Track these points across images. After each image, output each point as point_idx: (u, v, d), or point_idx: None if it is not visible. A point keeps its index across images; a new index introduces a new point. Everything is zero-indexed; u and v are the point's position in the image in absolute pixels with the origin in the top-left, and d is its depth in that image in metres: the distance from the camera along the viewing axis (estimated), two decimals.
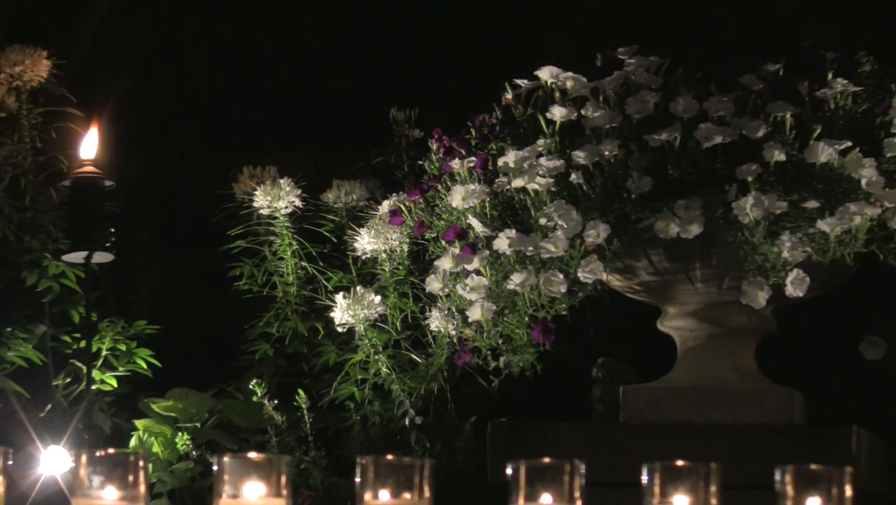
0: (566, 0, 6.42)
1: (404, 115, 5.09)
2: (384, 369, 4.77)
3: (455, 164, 4.59)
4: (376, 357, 4.77)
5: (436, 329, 4.63)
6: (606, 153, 4.40)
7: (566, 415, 4.72)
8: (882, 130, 4.45)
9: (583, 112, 4.48)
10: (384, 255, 4.80)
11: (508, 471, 3.25)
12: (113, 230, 4.85)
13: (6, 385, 4.89)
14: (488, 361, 4.56)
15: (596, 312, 4.70)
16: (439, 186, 4.62)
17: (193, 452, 4.86)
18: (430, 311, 4.63)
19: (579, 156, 4.41)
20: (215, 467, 3.25)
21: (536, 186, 4.42)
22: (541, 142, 4.49)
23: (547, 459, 3.23)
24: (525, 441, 4.44)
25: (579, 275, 4.37)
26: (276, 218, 4.92)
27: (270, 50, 6.66)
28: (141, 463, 3.26)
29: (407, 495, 3.22)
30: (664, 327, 4.66)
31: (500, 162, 4.49)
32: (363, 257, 4.83)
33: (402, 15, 6.57)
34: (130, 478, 3.24)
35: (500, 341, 4.52)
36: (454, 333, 4.59)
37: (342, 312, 4.72)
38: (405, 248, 4.80)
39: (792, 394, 4.55)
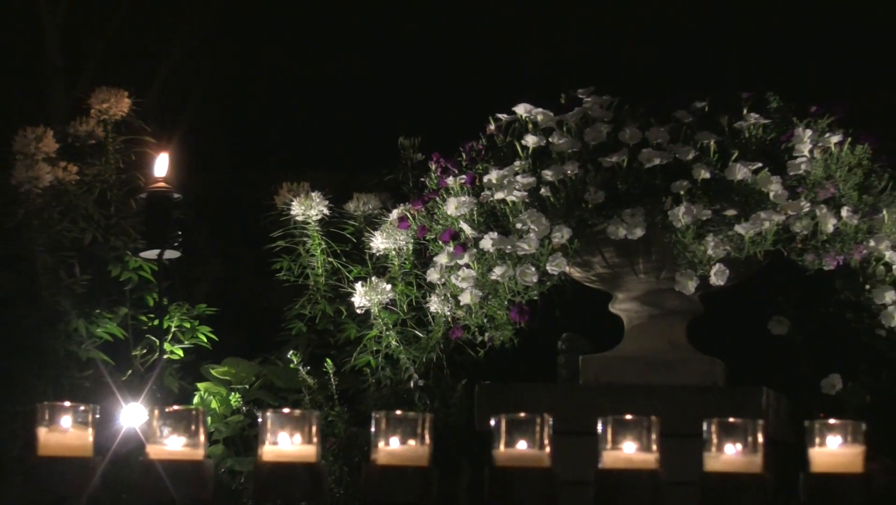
0: (537, 52, 6.41)
1: (409, 143, 5.07)
2: (394, 342, 4.75)
3: (449, 180, 4.58)
4: (387, 333, 4.75)
5: (434, 311, 4.61)
6: (569, 172, 4.39)
7: (537, 378, 4.71)
8: (786, 154, 4.44)
9: (550, 139, 4.47)
10: (394, 252, 4.79)
11: (492, 423, 3.24)
12: (180, 233, 4.84)
13: (96, 355, 4.88)
14: (476, 336, 4.55)
15: (561, 297, 4.69)
16: (437, 198, 4.61)
17: (243, 408, 4.84)
18: (430, 296, 4.61)
19: (547, 174, 4.40)
20: (260, 420, 3.23)
21: (514, 198, 4.41)
22: (517, 163, 4.48)
23: (522, 414, 3.22)
24: (505, 399, 4.43)
25: (547, 268, 4.36)
26: (308, 223, 4.90)
27: (303, 91, 6.66)
28: (201, 416, 3.25)
29: (411, 442, 3.20)
30: (614, 309, 4.65)
31: (485, 179, 4.48)
32: (377, 254, 4.81)
33: (407, 63, 6.57)
34: (193, 428, 3.23)
35: (485, 320, 4.51)
36: (449, 313, 4.57)
37: (361, 297, 4.71)
38: (410, 246, 4.78)
39: (714, 362, 4.54)
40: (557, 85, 4.64)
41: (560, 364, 4.79)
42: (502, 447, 3.20)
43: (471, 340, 4.58)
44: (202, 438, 3.23)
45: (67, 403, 3.27)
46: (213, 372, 4.93)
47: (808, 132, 4.45)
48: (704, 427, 3.22)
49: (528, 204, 4.41)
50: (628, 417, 3.22)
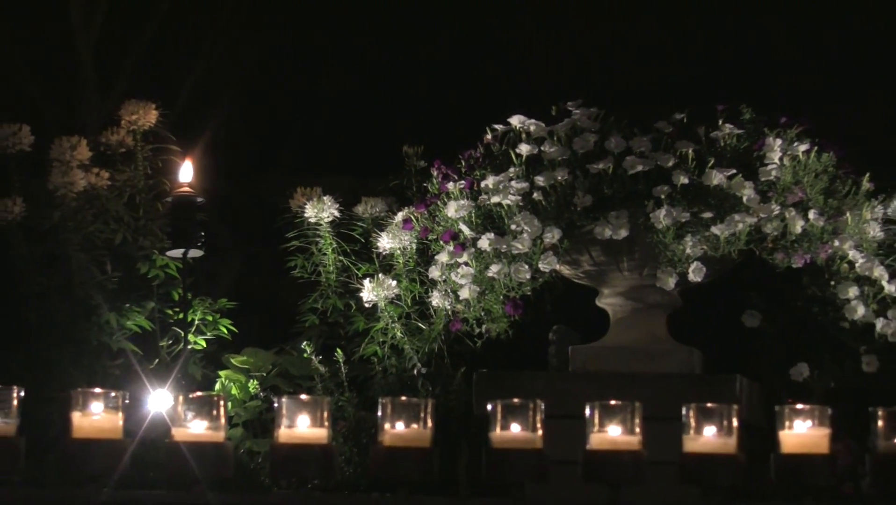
0: (530, 67, 6.41)
1: (413, 151, 5.06)
2: (399, 334, 4.74)
3: (450, 185, 4.58)
4: (393, 325, 4.75)
5: (436, 305, 4.61)
6: (559, 178, 4.39)
7: (530, 367, 4.70)
8: (758, 162, 4.44)
9: (542, 148, 4.47)
10: (399, 251, 4.78)
11: (488, 407, 3.24)
12: (203, 233, 4.83)
13: (126, 346, 4.87)
14: (474, 328, 4.54)
15: (551, 293, 4.69)
16: (438, 202, 4.61)
17: (261, 394, 4.83)
18: (432, 291, 4.61)
19: (539, 180, 4.40)
20: (276, 405, 3.23)
21: (509, 202, 4.41)
22: (512, 170, 4.48)
23: (516, 399, 3.22)
24: (500, 386, 4.42)
25: (539, 266, 4.36)
26: (320, 224, 4.89)
27: (316, 103, 6.66)
28: (222, 402, 3.25)
29: (415, 426, 3.20)
30: (601, 303, 4.64)
31: (483, 184, 4.48)
32: (383, 253, 4.80)
33: (412, 79, 6.56)
34: (214, 413, 3.23)
35: (482, 313, 4.51)
36: (449, 307, 4.57)
37: (368, 292, 4.70)
38: (414, 246, 4.77)
39: (692, 351, 4.54)
40: (549, 98, 4.64)
41: (551, 354, 4.79)
42: (498, 430, 3.20)
43: (469, 332, 4.57)
44: (223, 421, 3.23)
45: (99, 390, 3.27)
46: (233, 361, 4.92)
47: (778, 141, 4.45)
48: (683, 412, 3.22)
49: (522, 207, 4.41)
50: (613, 402, 3.21)
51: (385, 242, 4.76)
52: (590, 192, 4.36)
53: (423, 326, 4.74)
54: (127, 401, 3.27)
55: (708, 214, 4.32)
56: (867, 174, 4.54)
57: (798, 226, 4.36)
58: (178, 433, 3.21)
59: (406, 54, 6.66)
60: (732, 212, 4.32)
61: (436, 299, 4.59)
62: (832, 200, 4.48)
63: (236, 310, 5.06)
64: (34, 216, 4.88)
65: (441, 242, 4.56)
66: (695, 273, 4.33)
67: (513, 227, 4.39)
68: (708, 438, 3.17)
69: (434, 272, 4.57)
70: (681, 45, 6.37)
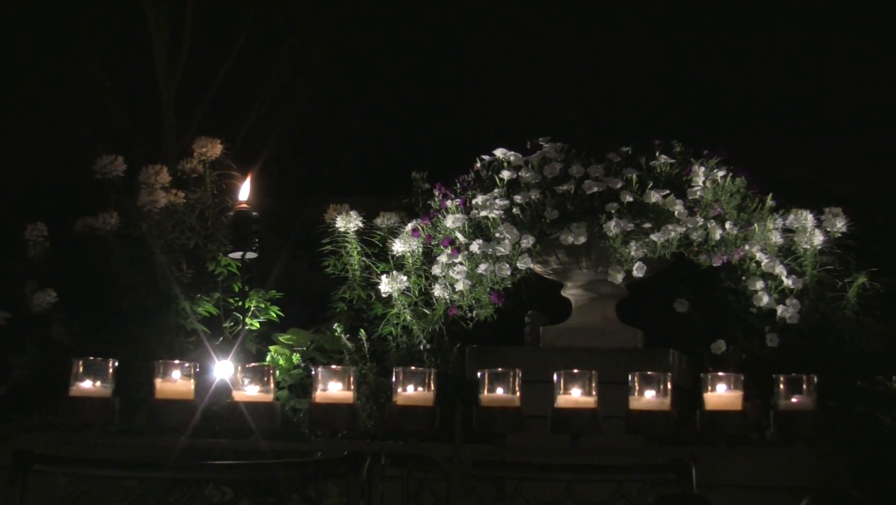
0: (510, 110, 6.41)
1: (420, 176, 5.04)
2: (409, 317, 4.73)
3: (448, 203, 4.58)
4: (404, 311, 4.73)
5: (437, 295, 4.60)
6: (533, 197, 4.39)
7: (510, 342, 4.69)
8: (686, 184, 4.44)
9: (520, 174, 4.46)
10: (408, 253, 4.76)
11: (478, 374, 3.22)
12: (257, 240, 4.83)
13: (197, 326, 4.86)
14: (467, 313, 4.54)
15: (527, 286, 4.68)
16: (439, 215, 4.61)
17: (302, 364, 4.82)
18: (434, 285, 4.60)
19: (517, 198, 4.40)
20: (314, 372, 3.22)
21: (494, 215, 4.40)
22: (496, 190, 4.47)
23: (500, 368, 3.20)
24: (487, 358, 4.41)
25: (518, 265, 4.36)
26: (347, 233, 4.88)
27: (343, 140, 6.66)
28: (272, 370, 3.23)
29: (421, 389, 3.19)
30: (565, 294, 4.64)
31: (474, 201, 4.48)
32: (397, 255, 4.79)
33: (418, 120, 6.57)
34: (266, 379, 3.21)
35: (473, 302, 4.50)
36: (448, 297, 4.56)
37: (385, 285, 4.69)
38: (420, 249, 4.76)
39: (636, 331, 4.53)
40: (525, 133, 4.64)
41: (526, 333, 4.78)
42: (486, 392, 3.19)
43: (463, 316, 4.57)
44: (272, 385, 3.21)
45: (177, 361, 3.25)
46: (280, 338, 4.91)
47: (702, 168, 4.45)
48: (629, 378, 3.21)
49: (504, 219, 4.41)
50: (575, 371, 3.20)
51: (398, 247, 4.75)
52: (556, 208, 4.36)
53: (428, 312, 4.73)
54: (198, 370, 3.26)
55: (648, 225, 4.31)
56: (770, 194, 4.54)
57: (717, 234, 4.36)
58: (238, 395, 3.20)
59: (414, 102, 6.67)
60: (666, 223, 4.32)
61: (437, 291, 4.58)
62: (743, 214, 4.48)
63: (283, 299, 5.05)
64: (127, 226, 4.88)
65: (441, 247, 4.55)
66: (637, 270, 4.32)
67: (497, 234, 4.38)
68: (648, 398, 3.16)
69: (436, 270, 4.56)
70: (626, 92, 6.37)
